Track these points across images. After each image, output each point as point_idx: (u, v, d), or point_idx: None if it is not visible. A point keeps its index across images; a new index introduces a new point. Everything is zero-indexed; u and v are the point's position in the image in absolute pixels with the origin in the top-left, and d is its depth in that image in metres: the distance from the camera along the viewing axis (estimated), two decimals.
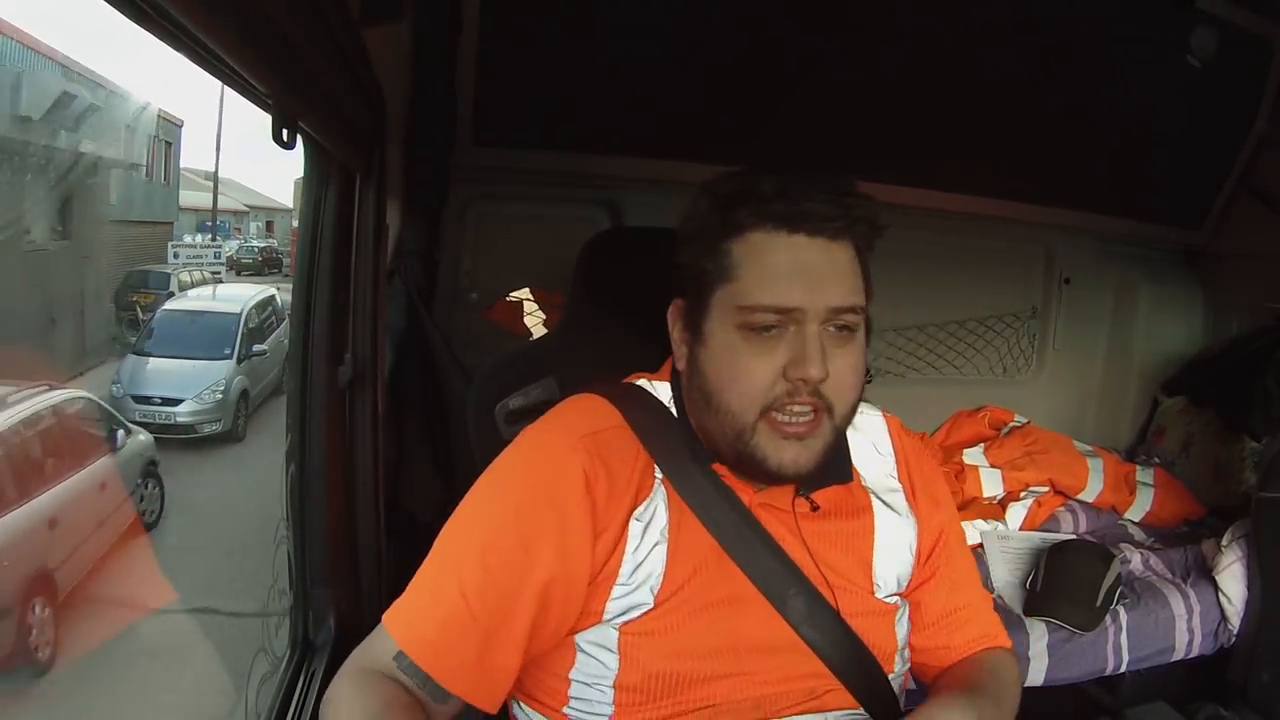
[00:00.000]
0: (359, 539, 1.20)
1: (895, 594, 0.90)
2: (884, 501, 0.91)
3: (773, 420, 0.79)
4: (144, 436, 3.55)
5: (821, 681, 0.83)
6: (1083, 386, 2.30)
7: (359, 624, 1.11)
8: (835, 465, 0.88)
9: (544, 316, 1.84)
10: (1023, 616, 1.61)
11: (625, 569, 0.80)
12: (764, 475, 0.82)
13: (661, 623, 0.81)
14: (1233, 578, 1.63)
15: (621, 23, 1.63)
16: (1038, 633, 1.58)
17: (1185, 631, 1.64)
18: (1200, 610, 1.64)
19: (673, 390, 0.89)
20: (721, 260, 0.81)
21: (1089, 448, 2.07)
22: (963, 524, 1.77)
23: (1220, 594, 1.64)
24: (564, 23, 1.63)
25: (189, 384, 4.16)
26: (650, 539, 0.81)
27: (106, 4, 0.52)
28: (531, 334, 1.83)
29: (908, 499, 0.93)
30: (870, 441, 0.94)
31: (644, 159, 1.79)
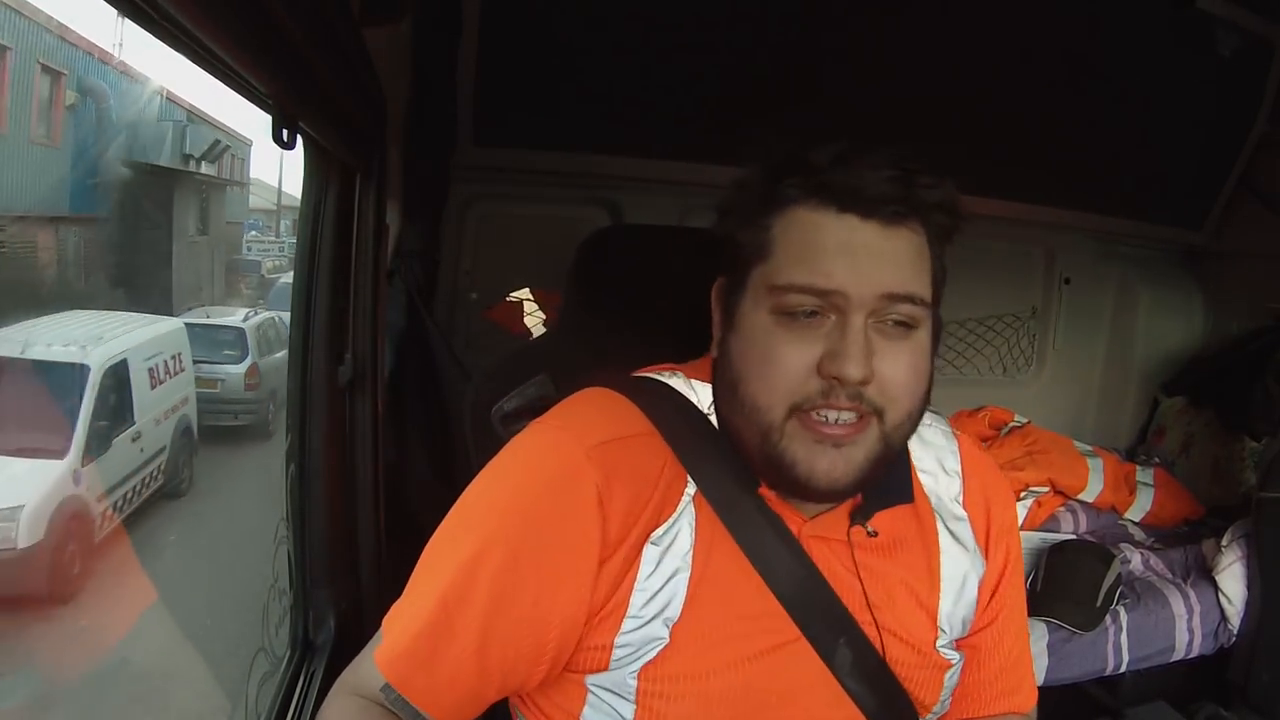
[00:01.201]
0: (359, 539, 1.20)
1: (956, 641, 0.78)
2: (950, 531, 0.78)
3: (806, 419, 0.66)
4: None
5: None
6: (1083, 386, 2.29)
7: (359, 624, 1.11)
8: (895, 483, 0.75)
9: (544, 316, 1.84)
10: None
11: (636, 601, 0.68)
12: (793, 486, 0.69)
13: (686, 668, 0.69)
14: (1233, 578, 1.63)
15: (621, 22, 1.63)
16: (1038, 633, 1.57)
17: (1185, 631, 1.63)
18: (1200, 610, 1.64)
19: (714, 394, 0.75)
20: (760, 235, 0.69)
21: (1089, 448, 2.07)
22: None
23: (1220, 594, 1.64)
24: (564, 23, 1.63)
25: None
26: (669, 566, 0.69)
27: (106, 4, 0.52)
28: (531, 334, 1.83)
29: (975, 531, 0.79)
30: (935, 458, 0.80)
31: (644, 159, 1.79)
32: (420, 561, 0.74)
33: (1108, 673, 1.61)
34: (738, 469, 0.72)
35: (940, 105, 1.78)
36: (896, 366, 0.67)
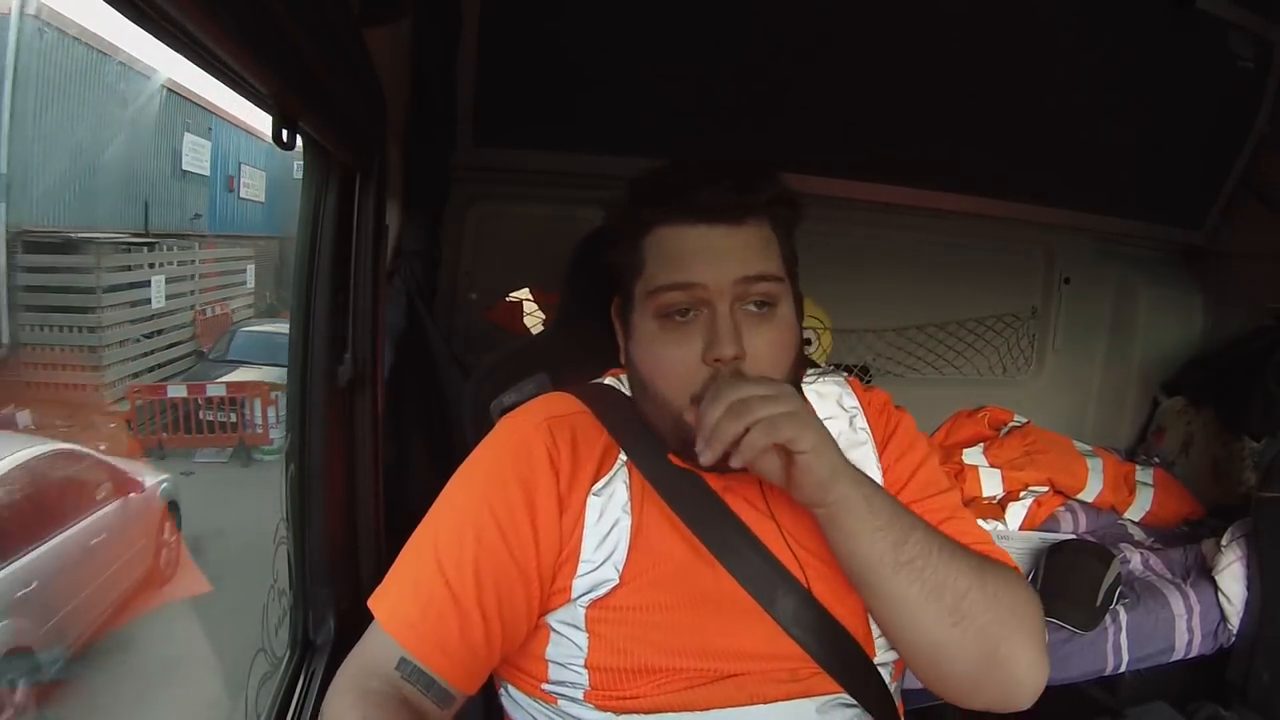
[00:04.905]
0: (359, 539, 1.20)
1: None
2: (852, 459, 0.90)
3: None
4: None
5: (804, 664, 0.82)
6: (1082, 386, 2.29)
7: (359, 624, 1.10)
8: None
9: (543, 316, 1.84)
10: None
11: (588, 545, 0.81)
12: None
13: (631, 601, 0.80)
14: (1232, 578, 1.63)
15: (621, 22, 1.63)
16: None
17: (1185, 631, 1.64)
18: (1200, 610, 1.64)
19: (630, 390, 0.91)
20: (634, 255, 0.85)
21: (1088, 448, 2.07)
22: None
23: (1220, 594, 1.64)
24: (564, 22, 1.63)
25: None
26: (611, 515, 0.82)
27: (106, 4, 0.52)
28: (531, 334, 1.83)
29: (877, 448, 0.92)
30: (835, 401, 0.95)
31: (644, 159, 1.79)
32: (409, 543, 0.83)
33: (1107, 673, 1.61)
34: (652, 439, 0.85)
35: (940, 105, 1.78)
36: (765, 342, 0.81)
